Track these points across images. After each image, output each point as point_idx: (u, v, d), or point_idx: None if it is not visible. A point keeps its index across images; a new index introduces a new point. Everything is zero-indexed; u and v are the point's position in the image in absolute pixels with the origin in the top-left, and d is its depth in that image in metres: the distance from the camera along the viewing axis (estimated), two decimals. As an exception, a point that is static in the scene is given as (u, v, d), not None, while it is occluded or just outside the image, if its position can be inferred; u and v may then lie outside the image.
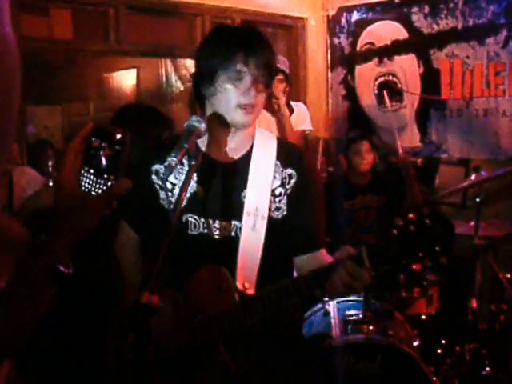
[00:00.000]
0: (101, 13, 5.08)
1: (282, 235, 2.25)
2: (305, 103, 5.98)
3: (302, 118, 5.39)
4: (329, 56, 6.44)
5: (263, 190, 2.22)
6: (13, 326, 1.26)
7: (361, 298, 3.47)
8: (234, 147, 2.22)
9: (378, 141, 5.23)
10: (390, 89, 5.72)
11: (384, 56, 5.78)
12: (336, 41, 6.33)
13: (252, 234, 2.19)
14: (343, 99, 6.33)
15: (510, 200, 4.67)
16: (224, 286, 2.08)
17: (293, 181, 2.27)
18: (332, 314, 3.47)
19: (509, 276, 3.89)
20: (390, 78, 5.73)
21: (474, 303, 3.84)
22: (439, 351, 4.08)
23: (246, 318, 2.00)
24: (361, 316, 3.39)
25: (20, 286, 1.26)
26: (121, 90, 7.31)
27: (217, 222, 2.20)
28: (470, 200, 4.62)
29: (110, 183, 1.27)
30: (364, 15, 5.98)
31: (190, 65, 6.05)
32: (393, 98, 5.72)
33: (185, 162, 2.18)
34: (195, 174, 2.17)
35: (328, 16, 6.39)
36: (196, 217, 2.21)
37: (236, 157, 2.24)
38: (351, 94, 6.23)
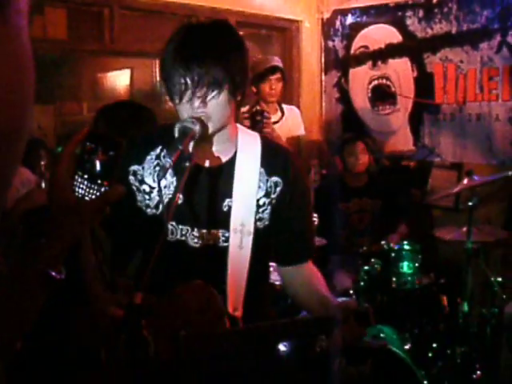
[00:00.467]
0: (95, 13, 5.07)
1: (262, 246, 2.19)
2: (298, 106, 5.99)
3: (296, 124, 5.41)
4: (323, 59, 6.45)
5: (249, 202, 2.14)
6: (2, 330, 1.25)
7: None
8: (215, 150, 2.12)
9: (372, 143, 5.24)
10: (384, 92, 5.73)
11: (378, 59, 5.79)
12: (330, 44, 6.34)
13: (239, 252, 2.12)
14: (337, 102, 6.33)
15: (502, 204, 4.69)
16: (212, 307, 2.00)
17: (278, 189, 2.18)
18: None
19: (500, 280, 3.90)
20: (384, 81, 5.74)
21: (465, 307, 3.85)
22: (430, 354, 4.09)
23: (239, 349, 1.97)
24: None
25: (12, 291, 1.26)
26: (114, 90, 7.28)
27: (195, 229, 2.11)
28: (462, 204, 4.63)
29: (103, 189, 1.26)
30: (358, 18, 5.98)
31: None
32: (386, 101, 5.74)
33: (164, 164, 2.12)
34: (175, 179, 2.09)
35: (322, 19, 6.40)
36: (174, 223, 2.10)
37: (219, 162, 2.14)
38: (345, 97, 6.23)
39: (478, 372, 3.88)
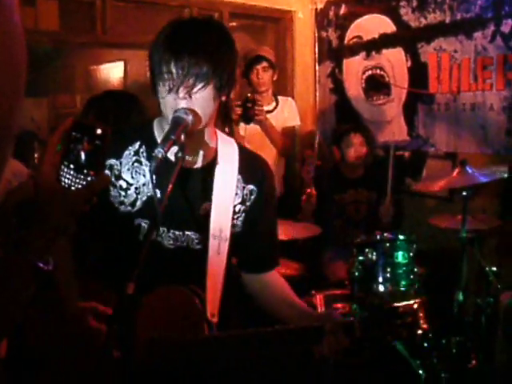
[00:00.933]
0: (87, 4, 5.05)
1: (232, 253, 2.22)
2: (292, 96, 6.00)
3: (292, 114, 5.42)
4: (316, 49, 6.44)
5: (226, 208, 2.15)
6: None
7: (347, 292, 3.48)
8: (195, 151, 2.11)
9: (370, 135, 5.24)
10: (378, 82, 5.72)
11: (372, 49, 5.78)
12: (324, 34, 6.33)
13: (217, 258, 2.13)
14: (331, 92, 6.33)
15: (496, 193, 4.69)
16: (191, 312, 2.00)
17: (253, 197, 2.23)
18: (319, 308, 3.48)
19: (495, 269, 3.89)
20: (378, 71, 5.73)
21: (460, 296, 3.85)
22: (425, 344, 4.09)
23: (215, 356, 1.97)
24: (347, 309, 3.39)
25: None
26: (108, 82, 7.26)
27: (171, 230, 2.10)
28: (457, 194, 4.63)
29: (89, 178, 1.25)
30: (352, 8, 5.97)
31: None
32: (380, 91, 5.73)
33: (143, 161, 2.11)
34: (154, 177, 2.05)
35: (316, 9, 6.39)
36: (150, 222, 2.09)
37: (198, 164, 2.13)
38: (339, 88, 6.23)
39: (473, 361, 3.89)
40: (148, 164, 2.10)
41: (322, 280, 4.40)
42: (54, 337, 1.94)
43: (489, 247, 4.50)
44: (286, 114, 5.36)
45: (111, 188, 2.10)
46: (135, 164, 2.11)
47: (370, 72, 5.82)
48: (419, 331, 1.91)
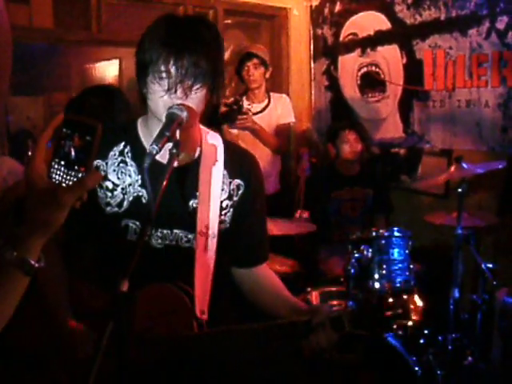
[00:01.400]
0: (82, 1, 5.03)
1: (224, 249, 2.20)
2: (287, 93, 6.00)
3: (286, 112, 5.41)
4: (312, 46, 6.44)
5: (213, 205, 2.13)
6: None
7: (343, 289, 3.48)
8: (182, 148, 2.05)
9: (364, 132, 5.24)
10: (373, 79, 5.72)
11: (367, 46, 5.78)
12: (319, 31, 6.33)
13: (204, 255, 2.12)
14: (326, 90, 6.33)
15: (492, 190, 4.69)
16: (180, 310, 2.00)
17: (240, 192, 2.22)
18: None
19: (491, 266, 3.90)
20: (373, 68, 5.73)
21: (456, 293, 3.85)
22: (421, 341, 4.09)
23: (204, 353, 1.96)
24: (343, 306, 3.39)
25: None
26: (103, 80, 7.25)
27: (159, 230, 2.10)
28: (452, 190, 4.63)
29: (80, 175, 1.25)
30: (347, 5, 5.97)
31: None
32: (375, 88, 5.73)
33: (128, 161, 2.10)
34: (140, 177, 2.07)
35: (311, 6, 6.39)
36: (137, 223, 2.08)
37: (184, 162, 2.11)
38: (334, 85, 6.23)
39: (470, 358, 3.89)
40: (133, 164, 2.10)
41: (317, 277, 4.39)
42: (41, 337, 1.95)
43: (485, 244, 4.50)
44: (279, 111, 5.35)
45: (98, 189, 2.10)
46: (121, 164, 2.10)
47: (365, 69, 5.82)
48: (410, 323, 1.87)
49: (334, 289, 3.70)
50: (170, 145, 1.78)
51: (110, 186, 2.10)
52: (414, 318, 1.90)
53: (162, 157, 1.88)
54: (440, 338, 3.98)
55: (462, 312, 3.99)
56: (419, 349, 3.93)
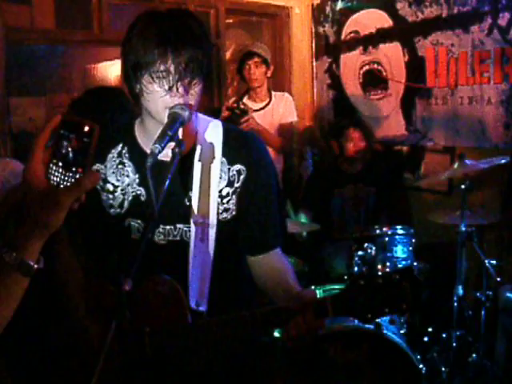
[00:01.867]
0: (83, 1, 5.03)
1: (231, 237, 2.16)
2: (290, 92, 6.00)
3: (289, 110, 5.41)
4: (313, 45, 6.43)
5: (210, 194, 2.08)
6: None
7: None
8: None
9: (368, 130, 5.24)
10: (375, 77, 5.72)
11: (369, 44, 5.77)
12: (321, 29, 6.32)
13: (202, 245, 2.07)
14: (328, 88, 6.32)
15: (495, 187, 4.68)
16: (175, 302, 1.97)
17: (242, 177, 2.13)
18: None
19: (494, 263, 3.89)
20: (375, 66, 5.72)
21: (460, 290, 3.85)
22: (426, 339, 4.10)
23: (197, 344, 1.93)
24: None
25: None
26: (105, 80, 7.25)
27: (160, 226, 2.08)
28: (455, 187, 4.62)
29: (78, 176, 1.25)
30: (349, 3, 5.96)
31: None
32: (378, 86, 5.72)
33: (126, 162, 2.10)
34: (137, 176, 2.07)
35: (313, 4, 6.38)
36: (139, 221, 2.08)
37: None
38: (336, 83, 6.22)
39: (474, 355, 3.89)
40: (131, 164, 2.09)
41: (321, 275, 4.39)
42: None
43: (488, 241, 4.50)
44: (281, 109, 5.35)
45: (101, 192, 2.10)
46: (119, 166, 2.10)
47: (367, 67, 5.81)
48: (404, 306, 1.75)
49: (337, 287, 3.70)
50: (172, 144, 1.77)
51: (111, 188, 2.10)
52: (407, 300, 1.79)
53: (162, 155, 1.84)
54: (444, 335, 3.98)
55: (466, 309, 3.99)
56: (424, 346, 3.94)
